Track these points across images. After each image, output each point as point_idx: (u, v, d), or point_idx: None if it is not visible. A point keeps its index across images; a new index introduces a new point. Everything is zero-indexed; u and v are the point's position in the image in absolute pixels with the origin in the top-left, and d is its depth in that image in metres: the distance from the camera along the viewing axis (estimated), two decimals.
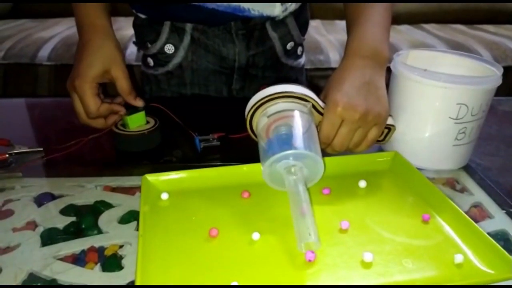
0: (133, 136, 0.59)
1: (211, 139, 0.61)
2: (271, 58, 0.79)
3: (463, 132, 0.54)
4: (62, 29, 1.80)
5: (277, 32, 0.77)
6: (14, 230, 0.45)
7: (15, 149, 0.57)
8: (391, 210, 0.47)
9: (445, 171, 0.56)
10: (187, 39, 0.75)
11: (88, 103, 0.57)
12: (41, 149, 0.58)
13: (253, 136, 0.54)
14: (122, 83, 0.59)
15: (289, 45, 0.79)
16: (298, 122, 0.48)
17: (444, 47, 1.75)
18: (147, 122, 0.61)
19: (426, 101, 0.53)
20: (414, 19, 2.16)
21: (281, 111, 0.49)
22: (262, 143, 0.49)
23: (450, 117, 0.52)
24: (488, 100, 0.53)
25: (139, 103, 0.60)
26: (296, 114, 0.49)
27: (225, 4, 0.70)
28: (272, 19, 0.75)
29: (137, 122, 0.60)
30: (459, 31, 2.00)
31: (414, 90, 0.54)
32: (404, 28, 2.10)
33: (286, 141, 0.46)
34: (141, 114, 0.60)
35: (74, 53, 0.61)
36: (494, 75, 0.53)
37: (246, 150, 0.56)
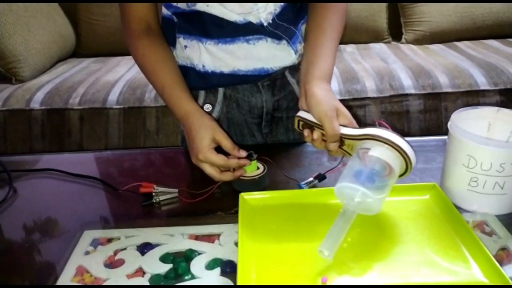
0: (248, 181, 0.75)
1: (311, 181, 0.75)
2: (292, 100, 0.92)
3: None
4: (124, 71, 1.97)
5: (295, 77, 0.92)
6: (128, 276, 0.57)
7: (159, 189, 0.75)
8: (423, 241, 0.56)
9: (476, 214, 0.64)
10: (220, 97, 0.89)
11: (216, 162, 0.72)
12: (176, 190, 0.75)
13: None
14: (226, 143, 0.74)
15: None
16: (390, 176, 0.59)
17: (477, 70, 1.80)
18: (258, 168, 0.77)
19: (476, 160, 0.63)
20: (447, 38, 2.19)
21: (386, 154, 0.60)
22: (357, 160, 0.61)
23: (496, 170, 0.61)
24: None
25: (242, 154, 0.74)
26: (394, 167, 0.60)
27: (251, 68, 0.85)
28: (290, 68, 0.89)
29: (251, 168, 0.75)
30: (492, 49, 2.03)
31: (465, 150, 0.64)
32: (437, 48, 2.14)
33: (371, 178, 0.57)
34: (254, 162, 0.76)
35: (138, 96, 0.69)
36: None
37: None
